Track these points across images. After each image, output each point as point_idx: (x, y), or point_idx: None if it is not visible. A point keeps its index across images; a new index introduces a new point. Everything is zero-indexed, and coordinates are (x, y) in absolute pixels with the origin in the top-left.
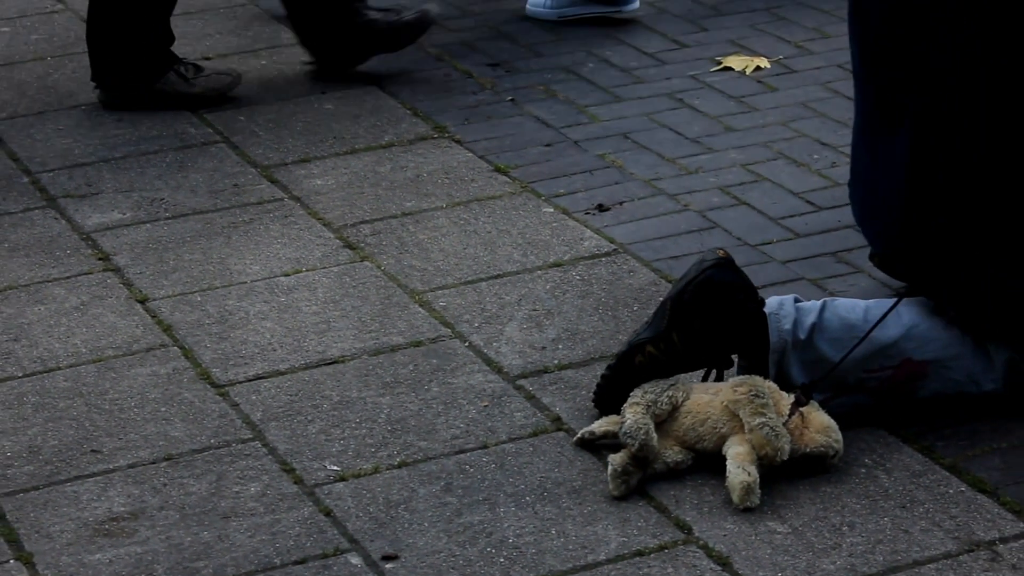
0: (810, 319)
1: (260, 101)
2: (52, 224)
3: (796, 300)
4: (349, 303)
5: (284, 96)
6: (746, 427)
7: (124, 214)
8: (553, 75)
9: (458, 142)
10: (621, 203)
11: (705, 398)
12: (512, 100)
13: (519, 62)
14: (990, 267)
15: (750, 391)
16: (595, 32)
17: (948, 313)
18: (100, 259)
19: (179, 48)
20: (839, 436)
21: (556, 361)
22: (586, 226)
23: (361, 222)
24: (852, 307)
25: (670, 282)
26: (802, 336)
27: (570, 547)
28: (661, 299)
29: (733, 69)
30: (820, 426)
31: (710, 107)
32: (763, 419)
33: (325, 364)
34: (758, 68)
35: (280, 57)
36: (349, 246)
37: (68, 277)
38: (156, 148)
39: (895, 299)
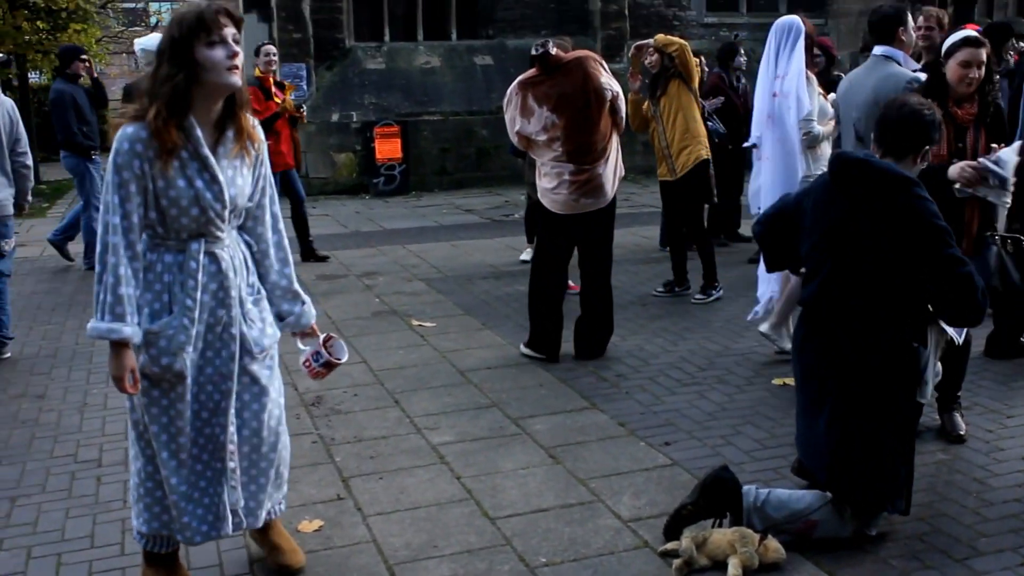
0: (763, 497)
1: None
2: (418, 440)
3: (757, 487)
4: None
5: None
6: (738, 551)
7: (450, 438)
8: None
9: (603, 411)
10: (676, 442)
11: (719, 536)
12: (627, 392)
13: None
14: (846, 484)
15: (741, 536)
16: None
17: (829, 498)
18: (439, 457)
19: None
20: (783, 552)
21: (648, 513)
22: (660, 452)
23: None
24: (785, 494)
25: (697, 478)
26: (759, 505)
27: None
28: (695, 483)
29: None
30: (774, 548)
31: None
32: (746, 549)
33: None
34: None
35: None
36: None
37: (424, 466)
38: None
39: (804, 491)
